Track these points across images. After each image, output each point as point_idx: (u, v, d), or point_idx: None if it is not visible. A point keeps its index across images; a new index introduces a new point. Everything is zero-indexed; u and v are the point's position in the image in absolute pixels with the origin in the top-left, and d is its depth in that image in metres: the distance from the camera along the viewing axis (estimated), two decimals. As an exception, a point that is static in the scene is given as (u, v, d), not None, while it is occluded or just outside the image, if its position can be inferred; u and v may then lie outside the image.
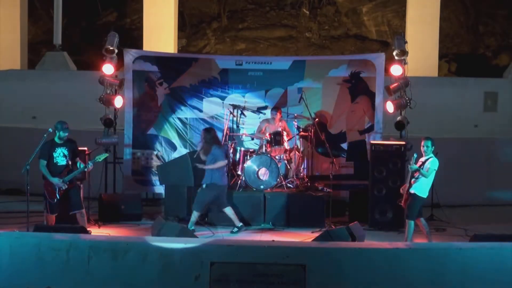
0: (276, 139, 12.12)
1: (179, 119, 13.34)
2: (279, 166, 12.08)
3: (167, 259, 8.48)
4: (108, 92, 12.72)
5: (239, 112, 12.83)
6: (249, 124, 13.06)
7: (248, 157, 12.09)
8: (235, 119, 12.76)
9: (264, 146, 12.11)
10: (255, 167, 11.91)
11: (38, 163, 10.23)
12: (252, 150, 12.38)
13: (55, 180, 10.19)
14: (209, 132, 11.43)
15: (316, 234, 10.70)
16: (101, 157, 10.62)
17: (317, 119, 12.59)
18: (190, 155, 12.25)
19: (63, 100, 15.05)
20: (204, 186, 11.28)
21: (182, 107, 13.33)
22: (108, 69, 12.58)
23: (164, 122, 13.32)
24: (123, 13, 19.76)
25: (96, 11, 19.75)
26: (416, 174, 10.29)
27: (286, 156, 12.42)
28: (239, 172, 12.21)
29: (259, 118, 12.98)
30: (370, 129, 13.07)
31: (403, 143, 11.99)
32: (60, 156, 10.30)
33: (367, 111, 13.09)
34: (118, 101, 12.81)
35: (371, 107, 13.05)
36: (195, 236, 9.90)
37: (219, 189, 11.32)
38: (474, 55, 18.81)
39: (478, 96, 15.16)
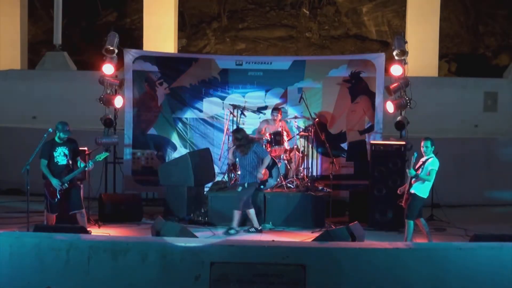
0: (276, 139, 12.12)
1: (179, 119, 13.34)
2: (279, 166, 12.09)
3: (167, 259, 8.48)
4: (108, 92, 12.72)
5: (239, 112, 12.83)
6: (249, 124, 13.06)
7: (248, 157, 12.07)
8: (235, 119, 12.76)
9: (264, 146, 12.10)
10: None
11: (39, 162, 10.23)
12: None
13: (55, 182, 10.18)
14: (239, 132, 11.38)
15: (316, 234, 10.70)
16: (102, 156, 10.62)
17: (317, 119, 12.60)
18: (190, 155, 12.25)
19: (63, 100, 15.05)
20: (246, 185, 11.30)
21: (182, 107, 13.33)
22: (108, 69, 12.59)
23: (164, 122, 13.32)
24: (123, 13, 19.75)
25: (96, 11, 19.74)
26: (413, 183, 10.29)
27: (286, 156, 12.42)
28: (239, 172, 12.20)
29: (259, 118, 12.99)
30: (370, 129, 13.07)
31: (403, 143, 11.99)
32: (61, 156, 10.30)
33: (367, 111, 13.09)
34: (118, 101, 12.81)
35: (371, 107, 13.05)
36: (195, 236, 9.90)
37: (254, 186, 11.46)
38: (474, 55, 18.80)
39: (478, 96, 15.16)
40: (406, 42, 12.50)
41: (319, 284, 8.34)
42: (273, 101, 13.15)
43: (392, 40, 14.27)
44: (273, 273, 8.35)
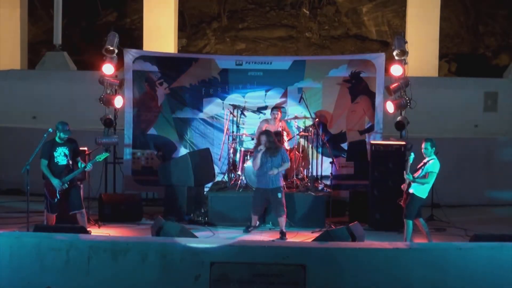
0: (276, 139, 12.11)
1: (179, 119, 13.34)
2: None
3: (167, 259, 8.48)
4: (108, 92, 12.72)
5: (239, 112, 12.84)
6: (249, 124, 13.07)
7: (248, 157, 12.09)
8: (235, 119, 12.76)
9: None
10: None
11: (39, 162, 10.23)
12: (252, 150, 12.37)
13: (55, 182, 10.18)
14: (270, 135, 11.13)
15: (316, 234, 10.70)
16: (102, 157, 10.62)
17: (317, 119, 12.60)
18: (190, 155, 12.25)
19: (63, 100, 15.04)
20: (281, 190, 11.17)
21: (182, 107, 13.33)
22: (108, 69, 12.59)
23: (164, 122, 13.32)
24: (123, 13, 19.75)
25: (96, 11, 19.74)
26: (413, 182, 10.30)
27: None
28: (239, 172, 12.21)
29: (259, 118, 12.98)
30: (370, 129, 13.07)
31: (403, 143, 11.99)
32: (61, 156, 10.29)
33: (367, 111, 13.09)
34: (118, 101, 12.81)
35: (371, 107, 13.05)
36: (195, 236, 9.90)
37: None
38: (474, 55, 18.80)
39: (478, 96, 15.15)
40: (406, 42, 12.49)
41: (319, 284, 8.35)
42: (273, 101, 13.15)
43: (392, 40, 14.27)
44: (273, 273, 8.36)
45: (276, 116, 12.39)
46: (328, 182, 12.46)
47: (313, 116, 12.62)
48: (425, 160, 10.34)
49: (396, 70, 12.36)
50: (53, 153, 10.27)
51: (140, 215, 12.26)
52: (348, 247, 8.93)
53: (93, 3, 19.63)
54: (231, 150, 12.43)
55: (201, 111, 13.32)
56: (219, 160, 12.93)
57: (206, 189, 12.62)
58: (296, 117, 12.93)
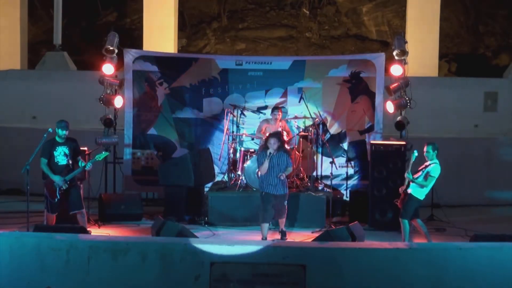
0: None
1: (179, 119, 13.34)
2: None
3: (167, 259, 8.48)
4: (108, 92, 12.72)
5: (239, 112, 12.84)
6: (249, 124, 13.07)
7: (248, 157, 12.09)
8: (235, 119, 12.76)
9: (264, 146, 12.09)
10: (255, 167, 11.89)
11: (39, 161, 10.23)
12: (252, 150, 12.37)
13: (57, 178, 10.18)
14: (280, 139, 10.80)
15: (316, 234, 10.71)
16: (101, 156, 10.62)
17: (317, 119, 12.60)
18: (190, 155, 12.25)
19: (63, 100, 15.03)
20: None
21: (182, 107, 13.33)
22: (108, 69, 12.60)
23: (164, 122, 13.32)
24: (123, 13, 19.75)
25: (96, 11, 19.73)
26: (416, 176, 10.30)
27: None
28: (239, 172, 12.21)
29: (259, 118, 12.98)
30: (370, 129, 13.08)
31: (403, 143, 11.99)
32: (61, 155, 10.29)
33: (367, 111, 13.09)
34: (118, 101, 12.82)
35: (371, 107, 13.06)
36: (195, 236, 9.90)
37: None
38: (474, 55, 18.79)
39: (478, 96, 15.14)
40: (406, 42, 12.49)
41: (319, 284, 8.35)
42: (273, 101, 13.15)
43: (392, 40, 14.27)
44: (273, 273, 8.36)
45: (277, 116, 12.38)
46: (328, 182, 12.46)
47: (313, 116, 12.62)
48: (426, 163, 10.34)
49: (396, 70, 12.36)
50: (53, 152, 10.27)
51: (140, 215, 12.25)
52: (348, 247, 8.94)
53: (93, 3, 19.63)
54: (231, 150, 12.42)
55: (201, 111, 13.32)
56: (219, 160, 12.93)
57: (206, 189, 12.61)
58: (296, 117, 12.93)
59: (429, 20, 16.32)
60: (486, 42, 19.03)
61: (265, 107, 13.16)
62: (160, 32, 16.97)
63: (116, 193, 12.83)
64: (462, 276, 8.38)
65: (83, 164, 10.34)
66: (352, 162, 13.02)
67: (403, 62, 12.39)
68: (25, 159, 10.00)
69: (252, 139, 12.80)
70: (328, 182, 12.43)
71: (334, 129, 13.17)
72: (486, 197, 13.85)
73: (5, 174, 14.12)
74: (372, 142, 12.32)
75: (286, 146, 11.67)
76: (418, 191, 10.29)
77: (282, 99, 13.19)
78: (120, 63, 13.17)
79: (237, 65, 13.34)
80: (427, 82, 14.98)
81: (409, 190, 10.31)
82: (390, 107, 12.56)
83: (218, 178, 12.92)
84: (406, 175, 10.31)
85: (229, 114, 12.69)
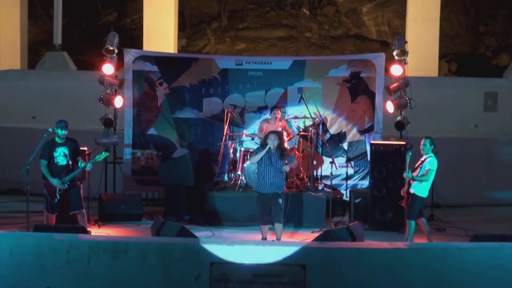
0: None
1: (179, 119, 13.34)
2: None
3: (167, 259, 8.48)
4: (108, 92, 12.72)
5: (239, 112, 12.82)
6: (249, 124, 13.07)
7: (248, 157, 12.08)
8: (235, 119, 12.75)
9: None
10: (255, 167, 11.88)
11: (39, 162, 10.22)
12: (252, 150, 12.36)
13: (55, 181, 10.18)
14: (280, 139, 10.39)
15: (316, 234, 10.70)
16: (101, 156, 10.61)
17: (317, 119, 12.60)
18: (190, 155, 12.25)
19: (63, 100, 15.04)
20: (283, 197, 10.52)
21: (182, 107, 13.33)
22: (108, 69, 12.59)
23: (164, 122, 13.32)
24: (123, 13, 19.75)
25: (96, 11, 19.74)
26: (412, 183, 10.30)
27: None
28: (239, 172, 12.20)
29: (259, 118, 12.98)
30: (370, 129, 13.08)
31: (403, 143, 11.99)
32: (61, 156, 10.29)
33: (367, 111, 13.09)
34: (118, 101, 12.81)
35: (371, 107, 13.06)
36: (195, 236, 9.90)
37: None
38: (474, 55, 18.80)
39: (478, 96, 15.15)
40: (406, 42, 12.49)
41: (319, 284, 8.35)
42: (273, 101, 13.15)
43: (392, 40, 14.26)
44: (273, 273, 8.36)
45: (277, 115, 12.38)
46: (328, 182, 12.46)
47: (313, 116, 12.62)
48: (422, 159, 10.36)
49: (396, 70, 12.36)
50: (52, 153, 10.26)
51: (140, 215, 12.25)
52: (348, 247, 8.93)
53: (93, 3, 19.64)
54: (231, 150, 12.42)
55: (201, 111, 13.31)
56: (219, 160, 12.92)
57: (206, 189, 12.61)
58: (296, 117, 12.93)
59: (429, 20, 16.33)
60: (486, 42, 19.04)
61: (265, 107, 13.17)
62: (160, 32, 16.98)
63: (116, 193, 12.83)
64: (462, 276, 8.37)
65: (82, 165, 10.34)
66: (352, 162, 13.02)
67: (403, 62, 12.38)
68: (25, 159, 10.01)
69: (252, 139, 12.80)
70: (328, 182, 12.43)
71: (334, 129, 13.18)
72: (486, 197, 13.85)
73: (5, 174, 14.12)
74: (372, 142, 12.32)
75: (286, 145, 11.52)
76: (421, 190, 10.30)
77: (282, 99, 13.18)
78: (120, 63, 13.17)
79: (237, 65, 13.34)
80: (427, 82, 14.98)
81: (412, 190, 10.32)
82: (390, 107, 12.56)
83: (218, 178, 12.90)
84: (405, 174, 10.32)
85: (229, 114, 12.68)
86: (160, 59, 13.42)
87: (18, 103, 15.42)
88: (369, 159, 12.35)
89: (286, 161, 10.29)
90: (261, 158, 10.24)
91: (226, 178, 12.54)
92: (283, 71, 13.21)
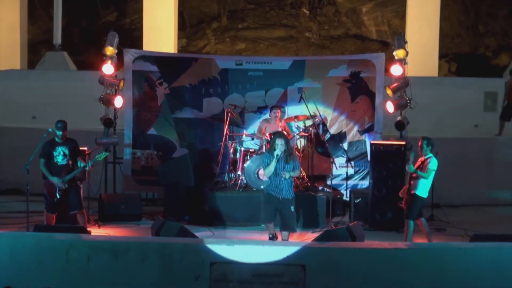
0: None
1: (179, 119, 13.33)
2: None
3: (167, 259, 8.48)
4: (108, 92, 12.71)
5: (239, 112, 12.83)
6: (249, 124, 13.07)
7: (248, 157, 12.08)
8: (235, 119, 12.75)
9: (264, 146, 12.09)
10: (255, 167, 11.90)
11: (39, 162, 10.22)
12: (252, 150, 12.37)
13: (55, 180, 10.18)
14: (287, 141, 10.20)
15: (316, 234, 10.69)
16: (101, 156, 10.61)
17: (317, 119, 12.60)
18: (190, 155, 12.24)
19: (63, 100, 15.05)
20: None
21: (182, 107, 13.32)
22: (108, 69, 12.59)
23: (164, 122, 13.32)
24: (123, 13, 19.77)
25: (96, 11, 19.75)
26: (414, 175, 10.30)
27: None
28: (239, 172, 12.20)
29: (259, 118, 12.98)
30: (370, 129, 13.08)
31: (403, 143, 11.99)
32: (60, 155, 10.28)
33: (367, 111, 13.09)
34: (118, 101, 12.80)
35: (371, 107, 13.05)
36: (195, 236, 9.90)
37: None
38: (474, 55, 18.82)
39: (478, 96, 15.16)
40: (406, 42, 12.48)
41: (319, 284, 8.34)
42: (273, 101, 13.14)
43: (392, 40, 14.27)
44: (273, 273, 8.35)
45: (277, 114, 12.38)
46: (328, 182, 12.45)
47: (313, 115, 12.61)
48: (422, 159, 10.35)
49: (396, 70, 12.35)
50: (52, 152, 10.26)
51: (140, 215, 12.25)
52: (348, 247, 8.93)
53: (93, 3, 19.65)
54: (231, 150, 12.41)
55: (201, 111, 13.31)
56: (219, 160, 12.92)
57: (206, 189, 12.61)
58: (296, 117, 12.92)
59: (429, 20, 16.35)
60: (486, 42, 19.06)
61: (265, 107, 13.16)
62: (160, 32, 17.00)
63: (116, 193, 12.82)
64: (462, 276, 8.37)
65: (82, 165, 10.33)
66: (352, 162, 13.02)
67: (403, 62, 12.38)
68: (25, 159, 10.00)
69: (252, 139, 12.80)
70: (328, 182, 12.43)
71: (334, 129, 13.17)
72: (486, 197, 13.84)
73: (5, 174, 14.12)
74: (372, 142, 12.32)
75: (295, 151, 11.23)
76: (422, 190, 10.29)
77: (282, 99, 13.18)
78: (120, 63, 13.17)
79: (237, 65, 13.33)
80: (427, 82, 15.00)
81: (412, 191, 10.31)
82: (390, 107, 12.56)
83: (218, 178, 12.90)
84: (407, 167, 10.30)
85: (229, 114, 12.68)
86: (160, 59, 13.42)
87: (18, 103, 15.43)
88: (369, 159, 12.34)
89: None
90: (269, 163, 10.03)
91: (226, 178, 12.53)
92: (283, 71, 13.21)
